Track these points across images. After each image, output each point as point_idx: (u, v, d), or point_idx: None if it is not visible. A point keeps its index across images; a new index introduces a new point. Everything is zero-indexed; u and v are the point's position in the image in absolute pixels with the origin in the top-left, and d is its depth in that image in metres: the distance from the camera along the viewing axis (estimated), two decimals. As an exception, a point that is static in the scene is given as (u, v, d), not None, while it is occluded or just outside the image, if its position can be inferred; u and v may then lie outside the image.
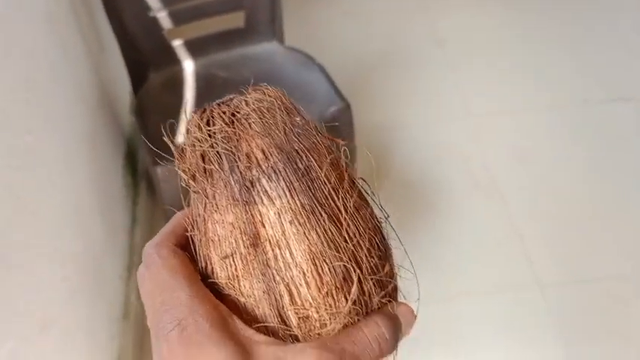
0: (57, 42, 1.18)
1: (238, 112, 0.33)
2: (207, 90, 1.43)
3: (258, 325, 0.29)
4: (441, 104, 2.01)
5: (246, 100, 0.33)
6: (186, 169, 0.33)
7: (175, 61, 1.47)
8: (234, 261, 0.30)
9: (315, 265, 0.29)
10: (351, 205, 0.31)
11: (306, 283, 0.29)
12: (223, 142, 0.31)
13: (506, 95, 2.03)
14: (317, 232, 0.29)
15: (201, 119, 0.33)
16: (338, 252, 0.29)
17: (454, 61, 2.16)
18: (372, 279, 0.31)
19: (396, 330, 0.31)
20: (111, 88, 1.54)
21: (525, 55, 2.19)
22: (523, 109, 1.98)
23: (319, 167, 0.31)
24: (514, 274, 1.54)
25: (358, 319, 0.30)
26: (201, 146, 0.32)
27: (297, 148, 0.31)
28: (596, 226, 1.64)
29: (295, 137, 0.31)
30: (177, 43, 1.46)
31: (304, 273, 0.29)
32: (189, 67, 1.48)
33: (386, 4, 2.45)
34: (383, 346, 0.30)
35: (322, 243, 0.29)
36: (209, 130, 0.32)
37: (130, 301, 1.37)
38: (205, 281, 0.31)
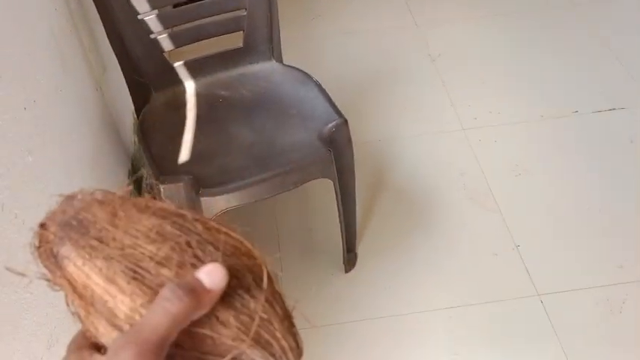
0: (59, 63, 1.21)
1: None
2: (209, 109, 1.46)
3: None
4: (436, 118, 2.04)
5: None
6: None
7: (177, 82, 1.51)
8: (81, 317, 0.38)
9: (112, 280, 0.37)
10: (122, 224, 0.39)
11: (115, 297, 0.36)
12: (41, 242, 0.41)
13: (500, 108, 2.06)
14: (100, 258, 0.37)
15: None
16: (120, 262, 0.37)
17: (447, 75, 2.20)
18: (154, 262, 0.37)
19: (180, 287, 0.35)
20: (114, 107, 1.57)
21: (516, 67, 2.23)
22: (516, 121, 2.01)
23: (89, 214, 0.39)
24: (512, 284, 1.56)
25: None
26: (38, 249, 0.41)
27: (71, 214, 0.40)
28: (591, 234, 1.67)
29: (72, 209, 0.40)
30: (178, 64, 1.49)
31: (110, 293, 0.36)
32: (190, 87, 1.51)
33: (380, 22, 2.50)
34: (168, 305, 0.34)
35: (106, 262, 0.37)
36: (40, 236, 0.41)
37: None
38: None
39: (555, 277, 1.57)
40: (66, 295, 0.39)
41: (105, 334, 0.37)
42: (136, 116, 1.63)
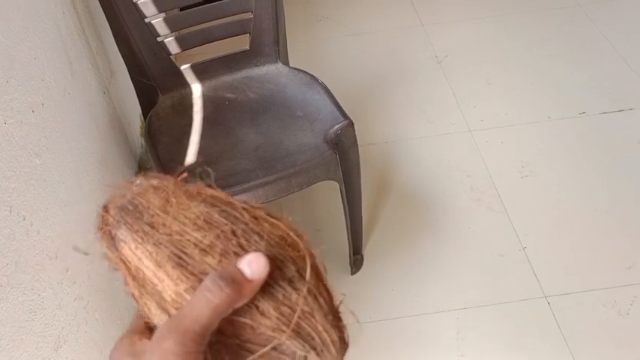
0: (67, 66, 1.22)
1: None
2: (215, 111, 1.47)
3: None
4: (442, 119, 2.04)
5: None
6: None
7: (183, 84, 1.52)
8: (136, 298, 0.40)
9: (160, 265, 0.38)
10: (173, 210, 0.40)
11: (163, 281, 0.38)
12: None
13: (506, 109, 2.06)
14: (150, 243, 0.39)
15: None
16: (167, 247, 0.38)
17: (453, 76, 2.20)
18: (199, 249, 0.38)
19: (222, 278, 0.36)
20: (122, 110, 1.58)
21: (523, 68, 2.22)
22: (523, 122, 2.01)
23: (144, 200, 0.41)
24: (519, 287, 1.56)
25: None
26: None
27: (128, 199, 0.42)
28: (599, 236, 1.66)
29: (129, 194, 0.42)
30: (184, 67, 1.50)
31: (158, 277, 0.38)
32: (196, 89, 1.52)
33: (386, 24, 2.50)
34: (209, 295, 0.35)
35: (156, 247, 0.39)
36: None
37: (143, 318, 1.40)
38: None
39: (562, 278, 1.56)
40: (124, 276, 0.41)
41: (156, 316, 0.39)
42: (143, 119, 1.64)
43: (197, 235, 0.38)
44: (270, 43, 1.53)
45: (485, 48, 2.34)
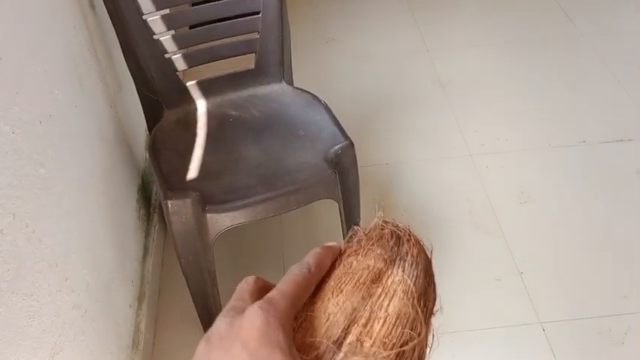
0: (76, 79, 1.25)
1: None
2: (219, 128, 1.50)
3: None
4: (443, 143, 2.06)
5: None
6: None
7: (189, 101, 1.54)
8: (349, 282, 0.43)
9: (395, 321, 0.41)
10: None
11: (381, 323, 0.41)
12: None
13: (507, 135, 2.07)
14: (409, 306, 0.42)
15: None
16: (412, 328, 0.42)
17: (456, 101, 2.23)
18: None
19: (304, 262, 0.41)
20: (127, 124, 1.61)
21: (525, 95, 2.24)
22: (523, 148, 2.02)
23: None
24: (514, 312, 1.56)
25: None
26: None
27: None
28: (595, 264, 1.66)
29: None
30: (190, 84, 1.53)
31: (385, 319, 0.41)
32: (201, 106, 1.55)
33: (392, 47, 2.53)
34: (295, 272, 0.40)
35: (408, 314, 0.42)
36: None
37: (140, 330, 1.41)
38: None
39: (558, 305, 1.57)
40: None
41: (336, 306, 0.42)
42: (148, 133, 1.67)
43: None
44: (275, 63, 1.56)
45: (489, 74, 2.36)
